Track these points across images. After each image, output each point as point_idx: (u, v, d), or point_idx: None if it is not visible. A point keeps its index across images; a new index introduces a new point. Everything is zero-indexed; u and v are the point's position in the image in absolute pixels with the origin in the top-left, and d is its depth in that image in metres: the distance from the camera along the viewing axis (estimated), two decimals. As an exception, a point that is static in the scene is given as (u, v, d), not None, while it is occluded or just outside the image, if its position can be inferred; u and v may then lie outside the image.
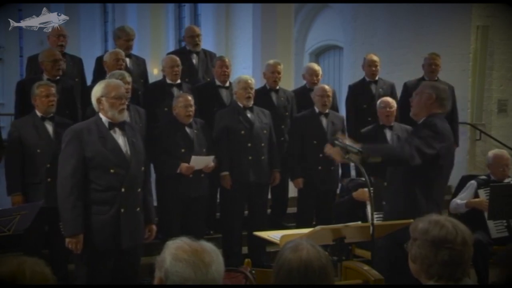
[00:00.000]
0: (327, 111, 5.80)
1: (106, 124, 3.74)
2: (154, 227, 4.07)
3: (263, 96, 5.97)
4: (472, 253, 2.24)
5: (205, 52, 6.64)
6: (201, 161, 5.10)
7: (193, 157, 5.03)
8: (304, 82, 6.57)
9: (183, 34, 6.79)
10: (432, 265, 2.21)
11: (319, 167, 5.64)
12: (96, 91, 3.79)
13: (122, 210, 3.71)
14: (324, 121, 5.78)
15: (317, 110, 5.80)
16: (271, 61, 6.20)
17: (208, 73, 6.45)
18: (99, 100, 3.75)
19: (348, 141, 3.59)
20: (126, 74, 4.89)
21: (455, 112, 6.69)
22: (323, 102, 5.73)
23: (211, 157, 5.15)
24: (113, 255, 3.76)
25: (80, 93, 5.68)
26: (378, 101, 5.88)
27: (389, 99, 5.87)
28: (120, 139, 3.76)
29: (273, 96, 6.11)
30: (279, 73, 6.09)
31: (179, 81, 5.78)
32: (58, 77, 5.36)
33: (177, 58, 5.86)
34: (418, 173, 3.70)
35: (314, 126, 5.74)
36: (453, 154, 4.00)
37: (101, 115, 3.77)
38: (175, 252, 1.87)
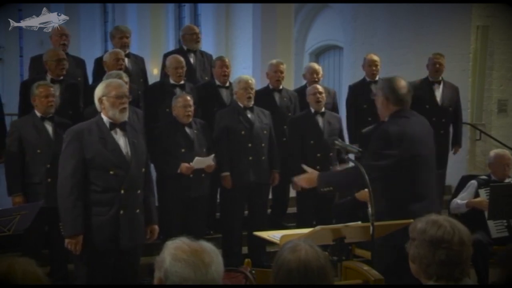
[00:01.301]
0: (322, 110, 5.80)
1: (107, 125, 3.73)
2: (156, 227, 4.04)
3: (265, 96, 5.97)
4: (471, 253, 2.24)
5: (201, 52, 6.64)
6: (203, 162, 5.11)
7: (196, 158, 5.04)
8: (305, 82, 6.56)
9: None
10: (430, 265, 2.22)
11: (317, 167, 5.60)
12: (98, 91, 3.78)
13: (122, 211, 3.69)
14: (320, 120, 5.77)
15: (312, 110, 5.79)
16: (274, 61, 6.20)
17: (206, 73, 6.44)
18: (100, 100, 3.74)
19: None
20: (124, 74, 4.87)
21: (459, 112, 6.69)
22: (316, 99, 5.72)
23: (211, 156, 5.16)
24: (113, 255, 3.75)
25: (82, 94, 5.68)
26: (380, 101, 5.87)
27: (390, 98, 5.87)
28: (121, 140, 3.74)
29: (276, 96, 6.10)
30: (281, 72, 6.09)
31: (182, 82, 5.78)
32: (61, 77, 5.37)
33: (182, 59, 5.82)
34: (392, 177, 3.62)
35: (311, 126, 5.72)
36: (426, 143, 3.68)
37: (102, 115, 3.76)
38: (175, 252, 1.87)
